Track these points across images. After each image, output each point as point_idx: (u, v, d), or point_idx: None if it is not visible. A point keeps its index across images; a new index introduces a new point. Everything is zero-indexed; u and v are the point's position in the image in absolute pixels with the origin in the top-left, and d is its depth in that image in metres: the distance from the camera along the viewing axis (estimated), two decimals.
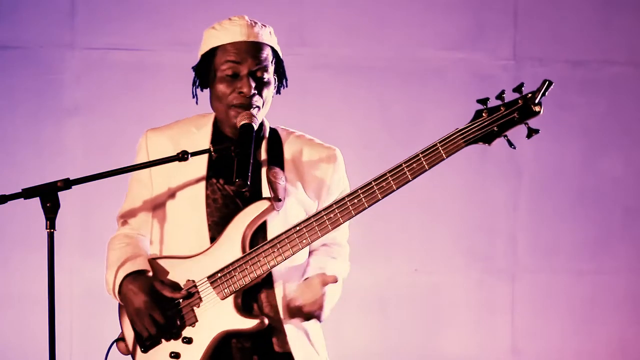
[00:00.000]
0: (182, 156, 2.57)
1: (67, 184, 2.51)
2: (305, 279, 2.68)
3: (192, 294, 2.62)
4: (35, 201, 2.50)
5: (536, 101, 2.44)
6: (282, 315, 2.65)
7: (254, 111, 2.64)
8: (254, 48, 2.65)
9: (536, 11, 4.77)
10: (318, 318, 2.63)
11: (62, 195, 2.50)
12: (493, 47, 4.73)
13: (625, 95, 4.80)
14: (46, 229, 2.47)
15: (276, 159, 2.72)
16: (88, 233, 4.42)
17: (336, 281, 2.61)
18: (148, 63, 4.51)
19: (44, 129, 4.45)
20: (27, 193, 2.49)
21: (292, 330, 2.67)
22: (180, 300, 2.62)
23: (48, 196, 2.48)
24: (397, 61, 4.67)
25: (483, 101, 2.49)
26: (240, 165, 2.53)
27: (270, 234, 2.63)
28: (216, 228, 2.65)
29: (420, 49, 4.69)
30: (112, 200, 4.34)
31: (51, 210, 2.47)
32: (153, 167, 2.67)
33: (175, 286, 2.63)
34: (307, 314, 2.61)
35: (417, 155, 2.51)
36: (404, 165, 2.51)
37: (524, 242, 4.74)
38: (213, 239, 2.64)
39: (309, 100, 4.53)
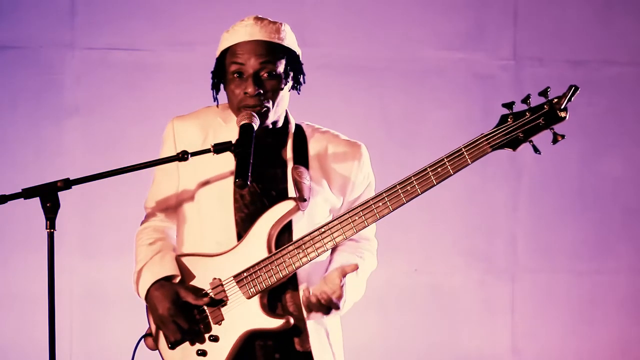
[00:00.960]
0: (182, 156, 2.57)
1: (67, 184, 2.51)
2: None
3: (217, 299, 2.64)
4: (35, 201, 2.49)
5: (562, 106, 2.44)
6: (305, 315, 2.66)
7: (263, 111, 2.64)
8: (259, 47, 2.64)
9: (536, 11, 4.76)
10: (336, 308, 2.61)
11: (62, 195, 2.50)
12: (493, 47, 4.73)
13: (625, 95, 4.80)
14: (46, 229, 2.47)
15: (301, 156, 2.73)
16: (88, 233, 4.43)
17: (357, 268, 2.61)
18: (148, 63, 4.50)
19: (44, 129, 4.45)
20: (27, 193, 2.49)
21: (314, 329, 2.68)
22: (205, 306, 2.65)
23: (48, 196, 2.48)
24: (397, 61, 4.66)
25: (508, 105, 2.47)
26: (240, 165, 2.53)
27: (296, 234, 2.65)
28: (243, 224, 2.66)
29: (420, 49, 4.69)
30: (112, 201, 4.37)
31: (51, 210, 2.47)
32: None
33: (199, 291, 2.65)
34: (325, 304, 2.59)
35: (442, 159, 2.51)
36: (429, 170, 2.52)
37: (524, 242, 4.74)
38: (240, 235, 2.66)
39: (309, 100, 4.52)
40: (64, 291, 4.37)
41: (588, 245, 4.76)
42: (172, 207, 2.78)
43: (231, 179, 2.67)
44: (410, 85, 4.67)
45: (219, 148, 2.60)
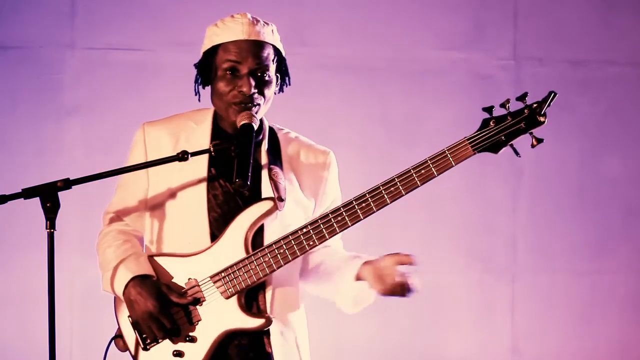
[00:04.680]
0: (182, 156, 2.57)
1: (67, 184, 2.51)
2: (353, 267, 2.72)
3: (197, 298, 2.62)
4: (35, 201, 2.49)
5: (542, 112, 2.49)
6: (270, 314, 2.65)
7: (255, 109, 2.65)
8: (255, 47, 2.65)
9: (536, 11, 4.77)
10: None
11: (62, 195, 2.50)
12: (493, 47, 4.73)
13: (625, 95, 4.80)
14: (46, 229, 2.47)
15: (275, 158, 2.73)
16: (88, 233, 4.40)
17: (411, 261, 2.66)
18: (148, 63, 4.51)
19: (44, 129, 4.45)
20: (27, 193, 2.49)
21: (277, 330, 2.67)
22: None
23: (48, 196, 2.48)
24: (397, 61, 4.67)
25: (488, 109, 2.52)
26: (240, 165, 2.54)
27: (268, 234, 2.64)
28: (216, 225, 2.65)
29: (420, 49, 4.69)
30: None
31: (51, 210, 2.48)
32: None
33: (179, 289, 2.63)
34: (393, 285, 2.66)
35: (426, 161, 2.54)
36: (412, 172, 2.55)
37: (524, 242, 4.74)
38: (213, 235, 2.65)
39: (309, 100, 4.53)
40: (64, 291, 4.37)
41: (588, 246, 4.77)
42: (138, 212, 2.76)
43: (204, 180, 2.66)
44: (410, 85, 4.67)
45: (218, 148, 2.60)
